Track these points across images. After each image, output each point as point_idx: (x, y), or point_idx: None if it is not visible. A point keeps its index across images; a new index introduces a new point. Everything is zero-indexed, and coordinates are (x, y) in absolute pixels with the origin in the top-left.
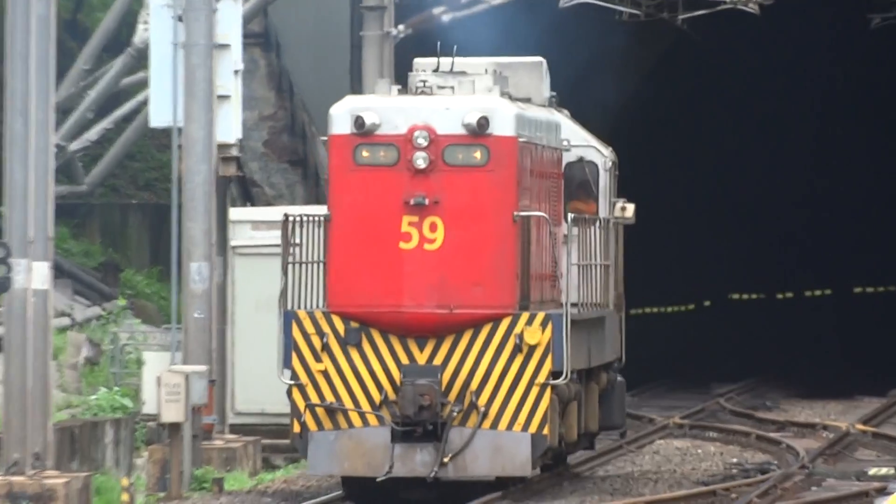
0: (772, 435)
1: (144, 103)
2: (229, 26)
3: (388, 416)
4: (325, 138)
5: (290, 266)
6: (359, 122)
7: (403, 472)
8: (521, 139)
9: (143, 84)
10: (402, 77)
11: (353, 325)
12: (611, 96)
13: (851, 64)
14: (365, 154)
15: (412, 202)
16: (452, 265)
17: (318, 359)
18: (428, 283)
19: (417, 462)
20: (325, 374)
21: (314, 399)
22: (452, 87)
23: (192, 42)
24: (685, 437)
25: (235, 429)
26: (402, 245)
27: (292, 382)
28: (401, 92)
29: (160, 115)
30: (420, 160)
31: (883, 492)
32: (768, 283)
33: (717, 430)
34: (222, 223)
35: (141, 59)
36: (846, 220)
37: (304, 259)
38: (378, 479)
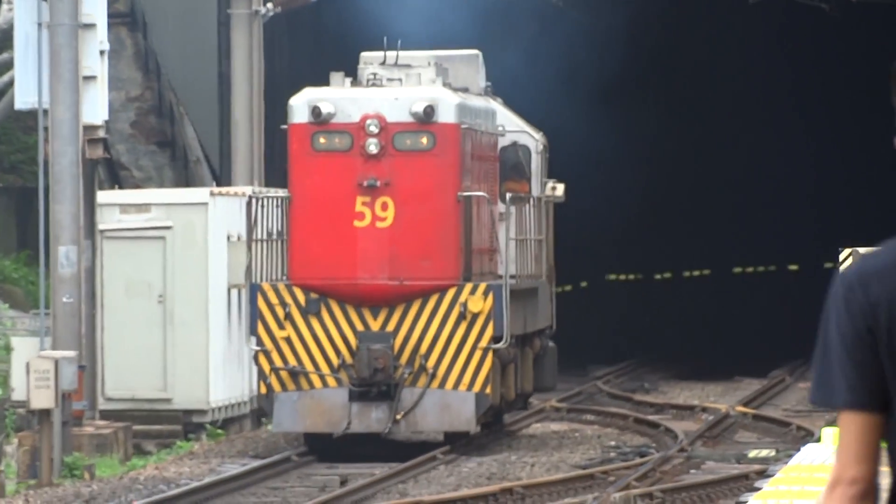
0: (650, 418)
1: (10, 84)
2: (94, 6)
3: (346, 379)
4: (284, 127)
5: (253, 243)
6: (316, 111)
7: (360, 429)
8: (463, 126)
9: (8, 65)
10: (270, 57)
11: (313, 295)
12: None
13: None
14: (322, 141)
15: (365, 184)
16: (402, 241)
17: (281, 326)
18: (380, 258)
19: (373, 419)
20: (288, 340)
21: (278, 363)
22: (400, 80)
23: (56, 22)
24: (562, 421)
25: (106, 414)
26: (357, 223)
27: (258, 348)
28: (353, 84)
29: (26, 96)
30: (372, 146)
31: (763, 474)
32: (646, 264)
33: (594, 413)
34: (90, 206)
35: (6, 40)
36: (725, 201)
37: (262, 237)
38: (336, 436)
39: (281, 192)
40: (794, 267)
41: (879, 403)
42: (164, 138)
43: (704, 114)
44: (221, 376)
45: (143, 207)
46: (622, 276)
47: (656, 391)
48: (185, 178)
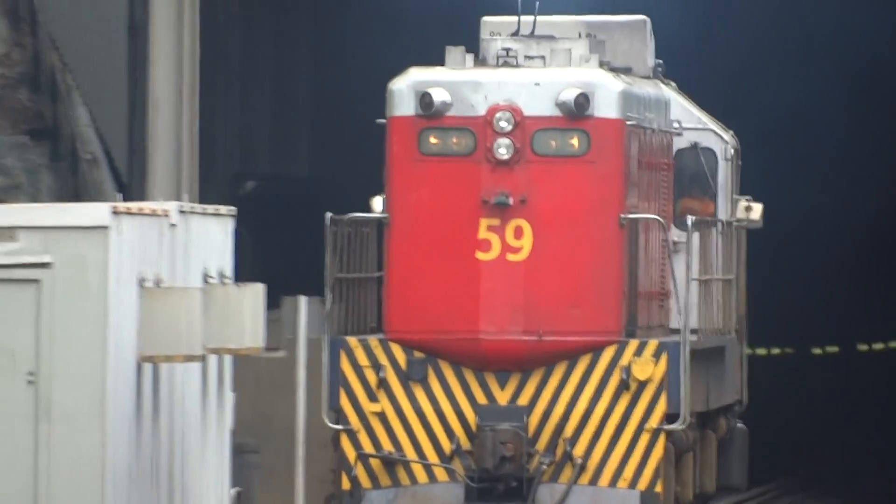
0: None
1: None
2: None
3: (461, 470)
4: (381, 121)
5: (335, 282)
6: (426, 100)
7: None
8: (628, 122)
9: None
10: (208, 8)
11: (418, 355)
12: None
13: None
14: (433, 141)
15: (493, 201)
16: (543, 281)
17: (373, 398)
18: (511, 304)
19: None
20: (382, 416)
21: (368, 448)
22: (543, 57)
23: None
24: None
25: None
26: (480, 255)
27: (340, 427)
28: (477, 63)
29: None
30: (503, 149)
31: None
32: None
33: None
34: None
35: None
36: None
37: (349, 272)
38: None
39: (222, 210)
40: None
41: None
42: (42, 124)
43: None
44: (125, 501)
45: (5, 233)
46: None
47: None
48: (74, 188)
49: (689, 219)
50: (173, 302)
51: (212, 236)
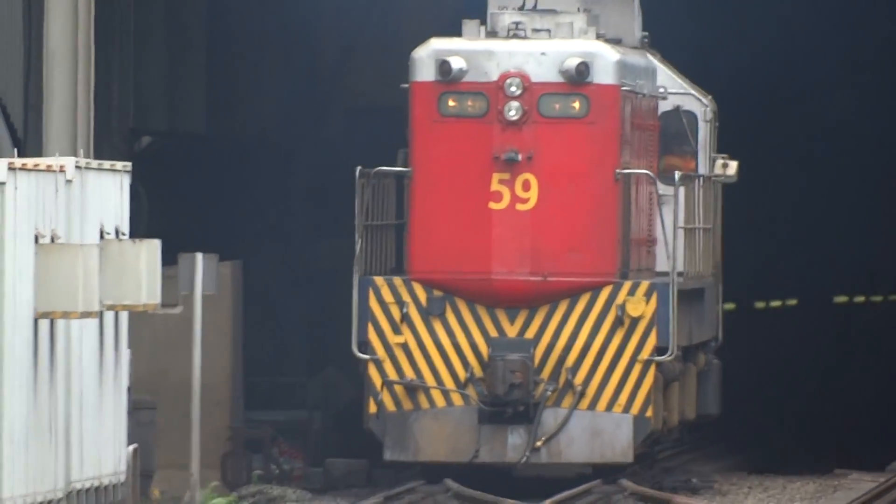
0: None
1: None
2: None
3: (475, 396)
4: (405, 86)
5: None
6: (444, 67)
7: (491, 458)
8: (623, 88)
9: None
10: None
11: (437, 293)
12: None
13: None
14: (451, 104)
15: (503, 157)
16: (547, 228)
17: (397, 331)
18: (520, 248)
19: (507, 446)
20: (405, 347)
21: (392, 375)
22: (549, 30)
23: None
24: None
25: None
26: (492, 205)
27: (368, 357)
28: (488, 35)
29: None
30: (512, 111)
31: None
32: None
33: None
34: None
35: None
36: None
37: (372, 220)
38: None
39: (118, 166)
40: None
41: None
42: None
43: None
44: (23, 457)
45: None
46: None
47: (710, 490)
48: None
49: (677, 174)
50: (70, 258)
51: (108, 193)
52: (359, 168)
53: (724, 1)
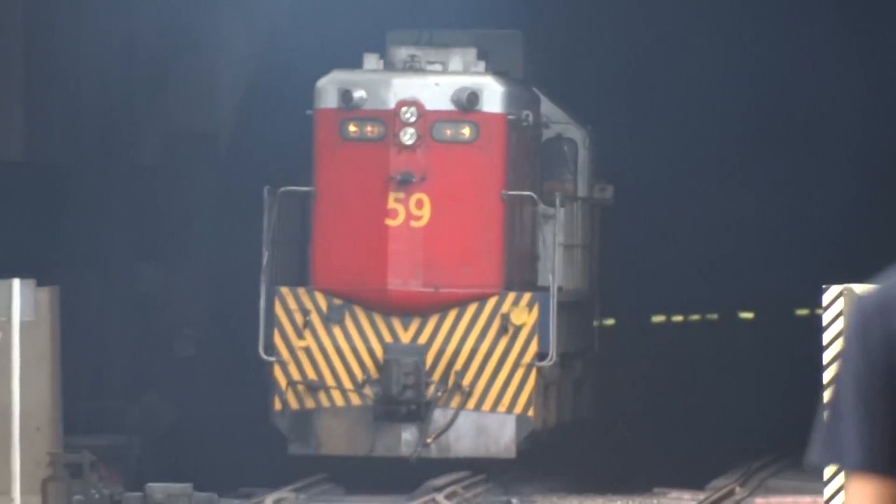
0: None
1: None
2: None
3: (371, 395)
4: (310, 112)
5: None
6: (346, 95)
7: (385, 452)
8: (509, 116)
9: None
10: None
11: (337, 302)
12: None
13: None
14: (352, 129)
15: (399, 178)
16: (439, 243)
17: (300, 335)
18: (413, 261)
19: (401, 442)
20: (308, 350)
21: (296, 376)
22: (442, 63)
23: None
24: None
25: None
26: (389, 222)
27: (273, 359)
28: (387, 67)
29: None
30: (408, 136)
31: None
32: None
33: None
34: None
35: None
36: None
37: (279, 235)
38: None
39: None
40: (748, 316)
41: None
42: None
43: None
44: None
45: None
46: None
47: None
48: None
49: (558, 196)
50: None
51: None
52: (266, 187)
53: (609, 38)
